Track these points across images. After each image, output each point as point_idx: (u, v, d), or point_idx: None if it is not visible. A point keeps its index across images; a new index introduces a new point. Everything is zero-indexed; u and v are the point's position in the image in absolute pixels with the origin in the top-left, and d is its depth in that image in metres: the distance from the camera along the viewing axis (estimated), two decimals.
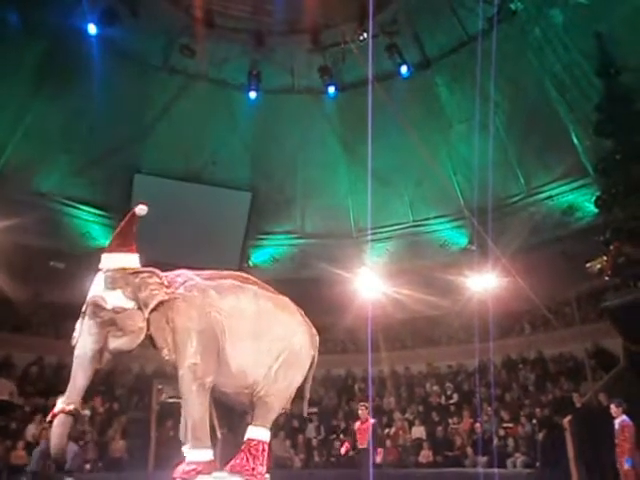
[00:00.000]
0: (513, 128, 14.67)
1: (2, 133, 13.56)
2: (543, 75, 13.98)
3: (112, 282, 4.88)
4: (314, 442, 13.20)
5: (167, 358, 4.88)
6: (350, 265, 15.55)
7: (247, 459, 5.02)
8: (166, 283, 5.05)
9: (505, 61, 12.19)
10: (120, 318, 4.77)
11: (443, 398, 13.90)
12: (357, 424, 8.88)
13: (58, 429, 4.69)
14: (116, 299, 4.83)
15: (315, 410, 14.42)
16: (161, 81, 15.14)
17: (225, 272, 5.64)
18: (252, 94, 15.42)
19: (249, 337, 5.16)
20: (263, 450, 5.11)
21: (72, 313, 5.25)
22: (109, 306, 4.78)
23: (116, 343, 4.79)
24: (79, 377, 4.72)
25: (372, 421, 8.79)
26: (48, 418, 4.75)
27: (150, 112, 15.28)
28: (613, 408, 7.24)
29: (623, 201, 10.73)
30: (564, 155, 14.15)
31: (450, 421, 12.81)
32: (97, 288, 4.89)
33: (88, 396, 12.61)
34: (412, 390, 14.64)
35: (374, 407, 13.52)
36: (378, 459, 8.75)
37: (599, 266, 10.91)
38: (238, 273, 5.81)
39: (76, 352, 4.73)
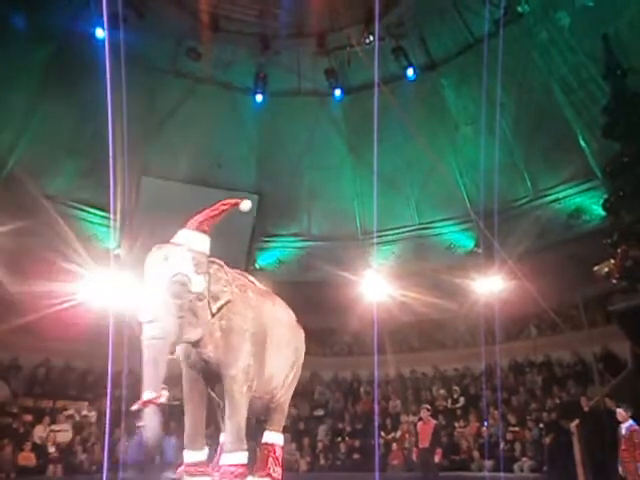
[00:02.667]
0: (520, 130, 14.62)
1: (10, 136, 13.64)
2: (550, 77, 13.94)
3: (198, 265, 4.50)
4: (320, 445, 13.19)
5: (211, 355, 4.65)
6: (356, 268, 15.53)
7: (273, 463, 5.16)
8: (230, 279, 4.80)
9: (511, 63, 12.18)
10: (200, 307, 4.44)
11: (449, 401, 13.86)
12: (419, 424, 9.61)
13: (150, 421, 4.50)
14: (200, 285, 4.45)
15: (322, 413, 14.43)
16: (167, 84, 15.19)
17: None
18: (258, 97, 15.46)
19: (282, 344, 5.32)
20: (281, 454, 5.30)
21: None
22: (194, 290, 4.40)
23: (190, 333, 4.42)
24: (161, 364, 4.19)
25: (434, 422, 9.55)
26: (135, 407, 4.30)
27: (156, 115, 15.34)
28: (621, 413, 7.19)
29: (631, 204, 10.66)
30: (571, 157, 14.09)
31: (456, 425, 12.77)
32: (183, 266, 4.41)
33: (95, 397, 12.75)
34: (418, 393, 14.61)
35: (379, 410, 13.53)
36: (437, 458, 9.25)
37: (606, 269, 10.84)
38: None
39: (153, 333, 4.14)
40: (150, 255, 4.54)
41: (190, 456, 4.80)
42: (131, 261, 13.02)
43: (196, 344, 4.60)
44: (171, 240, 4.73)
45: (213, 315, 4.56)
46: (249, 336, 4.80)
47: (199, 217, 4.93)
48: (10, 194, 12.85)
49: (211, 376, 4.80)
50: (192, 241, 4.69)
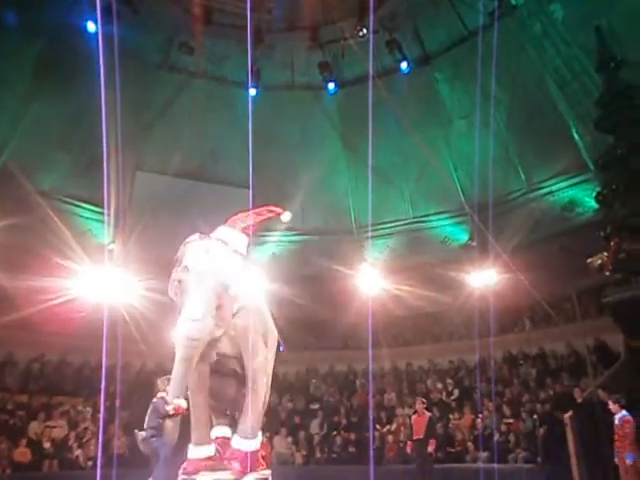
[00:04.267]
0: (513, 123, 14.64)
1: (2, 132, 13.54)
2: (543, 70, 13.94)
3: (240, 267, 4.55)
4: (315, 438, 13.23)
5: (227, 351, 4.74)
6: (351, 262, 15.55)
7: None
8: None
9: (505, 56, 12.16)
10: (229, 308, 4.47)
11: (444, 394, 13.93)
12: (414, 417, 9.83)
13: (174, 428, 4.71)
14: (236, 286, 4.47)
15: (317, 406, 14.47)
16: (161, 79, 15.13)
17: None
18: (252, 91, 15.40)
19: (272, 348, 5.39)
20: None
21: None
22: (232, 293, 4.42)
23: (216, 333, 4.38)
24: (192, 365, 4.20)
25: (428, 414, 9.74)
26: (171, 412, 4.36)
27: (150, 110, 15.26)
28: (611, 404, 7.24)
29: (624, 196, 10.70)
30: (564, 150, 14.11)
31: (451, 417, 12.83)
32: (229, 267, 4.40)
33: (90, 393, 12.74)
34: (413, 386, 14.67)
35: (375, 403, 13.59)
36: (430, 449, 9.38)
37: (600, 262, 10.88)
38: None
39: (193, 333, 4.10)
40: (191, 245, 4.50)
41: (202, 451, 4.81)
42: (125, 256, 13.02)
43: (214, 340, 4.60)
44: (212, 234, 4.72)
45: (234, 315, 4.60)
46: (261, 335, 4.98)
47: (243, 219, 4.95)
48: (3, 190, 12.78)
49: (222, 370, 4.88)
50: (236, 242, 4.72)
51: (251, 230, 4.86)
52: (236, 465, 4.64)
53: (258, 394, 4.83)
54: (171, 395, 4.25)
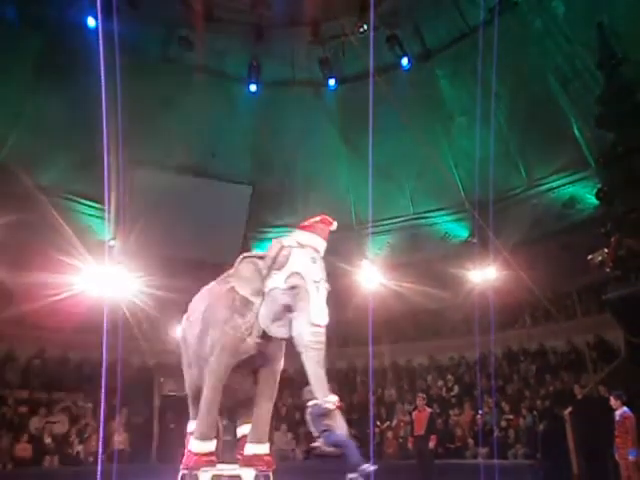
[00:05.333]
0: (514, 120, 14.61)
1: (1, 127, 13.53)
2: (544, 67, 13.92)
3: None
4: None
5: (269, 350, 4.92)
6: (351, 258, 15.54)
7: None
8: None
9: (506, 53, 12.10)
10: None
11: (444, 390, 13.95)
12: (415, 413, 9.90)
13: (340, 419, 4.80)
14: None
15: None
16: (160, 74, 15.05)
17: None
18: (252, 87, 15.38)
19: None
20: None
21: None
22: None
23: None
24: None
25: (429, 410, 9.81)
26: (332, 407, 4.60)
27: (150, 105, 15.21)
28: (612, 400, 7.25)
29: (624, 193, 10.69)
30: (565, 147, 14.10)
31: (451, 413, 12.87)
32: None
33: (91, 389, 12.77)
34: (413, 382, 14.70)
35: (375, 399, 13.61)
36: (431, 445, 9.46)
37: (600, 258, 10.88)
38: None
39: (323, 338, 4.42)
40: (295, 251, 4.64)
41: (210, 446, 4.83)
42: (126, 252, 13.01)
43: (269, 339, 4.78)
44: (302, 240, 4.79)
45: None
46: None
47: (324, 227, 4.98)
48: (3, 186, 12.77)
49: (244, 368, 4.89)
50: (322, 250, 4.86)
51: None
52: (262, 464, 4.83)
53: (273, 397, 5.06)
54: (322, 395, 4.45)
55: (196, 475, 4.79)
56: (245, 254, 4.87)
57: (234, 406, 5.28)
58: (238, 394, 5.06)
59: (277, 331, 4.59)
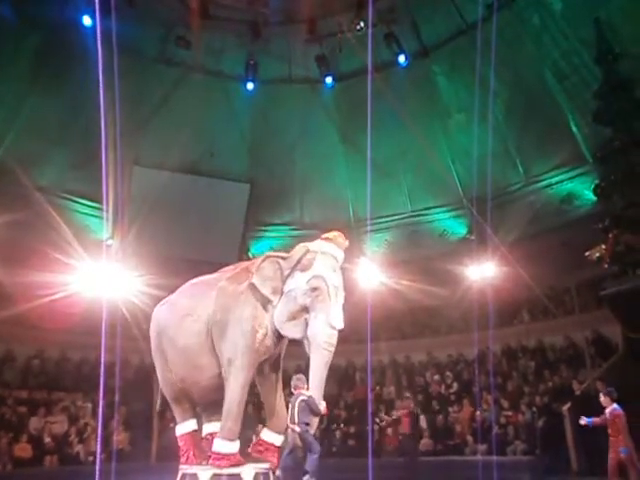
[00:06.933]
0: (512, 116, 14.62)
1: None
2: (542, 63, 13.92)
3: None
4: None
5: (282, 351, 5.25)
6: (349, 255, 15.46)
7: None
8: None
9: (504, 49, 12.11)
10: None
11: (443, 387, 13.96)
12: (401, 412, 10.12)
13: (317, 424, 5.51)
14: None
15: None
16: (158, 73, 15.05)
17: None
18: (249, 85, 15.35)
19: None
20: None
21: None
22: None
23: None
24: None
25: (412, 408, 10.03)
26: (323, 411, 5.12)
27: (147, 104, 15.19)
28: (602, 398, 7.13)
29: (622, 189, 10.72)
30: (563, 143, 14.11)
31: (450, 410, 12.87)
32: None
33: (90, 389, 12.76)
34: (412, 379, 14.70)
35: (374, 396, 13.61)
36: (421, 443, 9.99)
37: (598, 254, 10.91)
38: None
39: (335, 341, 4.84)
40: (320, 256, 4.91)
41: (237, 445, 4.89)
42: (124, 251, 12.99)
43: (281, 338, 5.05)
44: (324, 249, 5.06)
45: None
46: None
47: (342, 242, 5.27)
48: (1, 185, 12.75)
49: (259, 369, 5.09)
50: (341, 260, 5.15)
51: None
52: (273, 458, 5.03)
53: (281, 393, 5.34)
54: (318, 396, 4.68)
55: (196, 474, 4.79)
56: (268, 253, 5.03)
57: (207, 405, 5.34)
58: (215, 393, 5.08)
59: (290, 330, 4.77)
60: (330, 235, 5.22)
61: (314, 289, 4.67)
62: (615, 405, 6.99)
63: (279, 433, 5.12)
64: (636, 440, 6.87)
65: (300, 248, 4.96)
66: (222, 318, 4.92)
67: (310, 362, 4.67)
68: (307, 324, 4.70)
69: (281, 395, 5.25)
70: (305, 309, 4.68)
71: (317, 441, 6.07)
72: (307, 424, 5.44)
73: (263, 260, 4.90)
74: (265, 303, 4.85)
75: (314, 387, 4.64)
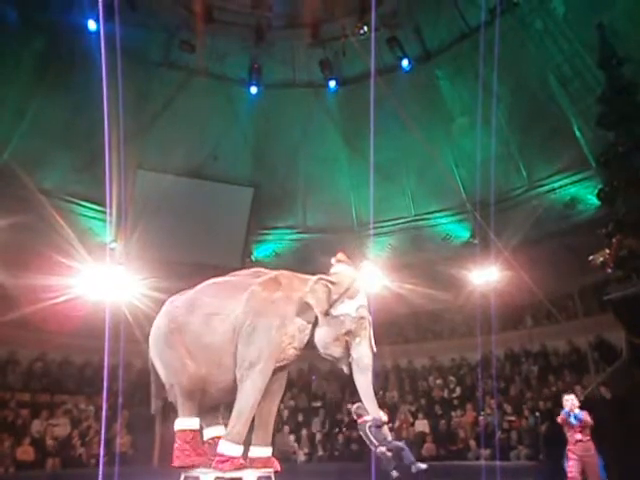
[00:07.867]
0: (515, 121, 14.61)
1: (3, 130, 13.54)
2: (545, 67, 13.91)
3: None
4: (318, 436, 13.26)
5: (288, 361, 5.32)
6: (352, 259, 15.51)
7: None
8: None
9: (507, 53, 12.13)
10: None
11: (446, 392, 13.94)
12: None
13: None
14: None
15: (319, 404, 14.50)
16: (161, 76, 15.10)
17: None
18: (253, 89, 15.40)
19: None
20: None
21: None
22: None
23: None
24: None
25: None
26: (386, 420, 5.82)
27: (151, 108, 15.25)
28: (569, 402, 6.91)
29: (625, 193, 10.67)
30: (566, 147, 14.08)
31: (453, 414, 12.84)
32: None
33: (92, 392, 12.77)
34: (415, 384, 14.69)
35: (377, 401, 13.56)
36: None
37: (602, 259, 10.86)
38: None
39: (369, 361, 5.13)
40: (359, 284, 5.38)
41: (242, 448, 4.87)
42: (127, 254, 13.02)
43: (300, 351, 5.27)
44: (341, 271, 5.49)
45: None
46: None
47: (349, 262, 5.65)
48: (5, 188, 12.79)
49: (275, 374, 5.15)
50: None
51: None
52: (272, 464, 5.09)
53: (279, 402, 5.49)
54: (374, 408, 5.20)
55: (198, 477, 4.78)
56: (320, 276, 5.29)
57: (211, 409, 5.32)
58: (230, 396, 5.04)
59: (334, 350, 5.10)
60: (342, 257, 5.67)
61: (362, 318, 5.14)
62: (579, 410, 6.88)
63: (266, 445, 5.11)
64: None
65: (347, 276, 5.36)
66: (251, 322, 4.94)
67: (357, 381, 5.10)
68: (346, 346, 5.08)
69: (277, 406, 5.28)
70: (349, 333, 5.06)
71: (392, 439, 6.70)
72: (385, 439, 6.27)
73: (316, 282, 5.17)
74: (298, 318, 5.13)
75: (369, 406, 5.18)
